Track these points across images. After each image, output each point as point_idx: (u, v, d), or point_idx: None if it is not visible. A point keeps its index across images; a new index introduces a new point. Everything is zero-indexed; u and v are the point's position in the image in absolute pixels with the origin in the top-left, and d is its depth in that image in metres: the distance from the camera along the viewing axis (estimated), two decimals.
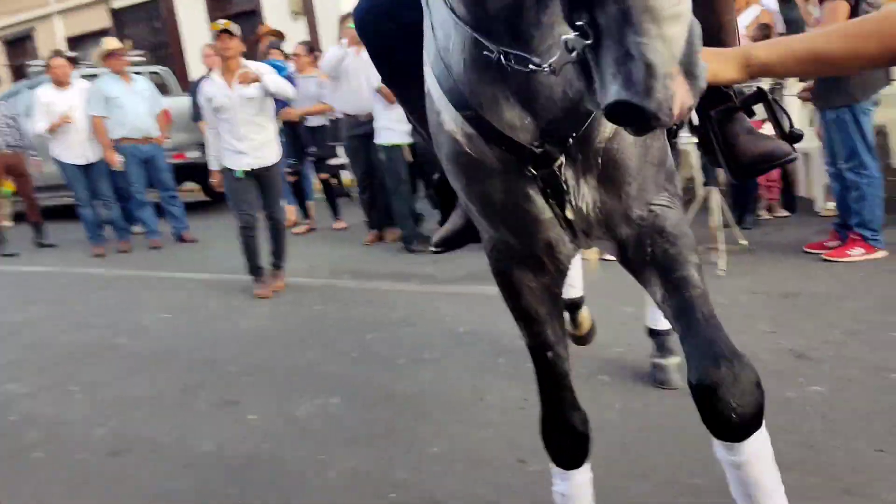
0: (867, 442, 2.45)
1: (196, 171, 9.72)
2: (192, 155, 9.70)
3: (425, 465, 2.65)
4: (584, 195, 1.45)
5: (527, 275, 1.62)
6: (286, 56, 8.27)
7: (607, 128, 1.40)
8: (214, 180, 5.28)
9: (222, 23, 4.82)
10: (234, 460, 2.87)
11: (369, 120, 6.09)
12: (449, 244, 2.07)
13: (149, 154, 7.76)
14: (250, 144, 4.94)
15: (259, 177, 5.04)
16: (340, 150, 8.28)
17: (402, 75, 1.75)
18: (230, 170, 5.02)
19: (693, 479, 2.33)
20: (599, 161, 1.42)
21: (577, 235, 1.53)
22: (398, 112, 5.81)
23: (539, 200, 1.46)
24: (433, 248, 2.11)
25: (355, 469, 2.68)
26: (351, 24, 6.21)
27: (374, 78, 5.76)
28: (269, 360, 3.95)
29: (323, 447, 2.88)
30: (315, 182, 8.31)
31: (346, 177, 9.12)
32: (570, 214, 1.47)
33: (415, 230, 6.00)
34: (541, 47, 1.28)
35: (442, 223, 2.13)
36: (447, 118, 1.46)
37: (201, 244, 7.81)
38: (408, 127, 5.87)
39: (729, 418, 1.33)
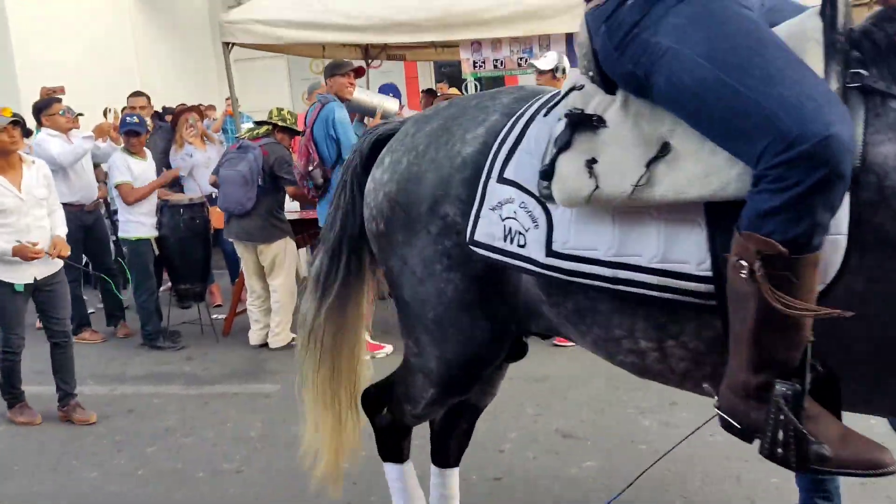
0: None
1: None
2: None
3: None
4: None
5: None
6: None
7: None
8: None
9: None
10: None
11: (93, 209, 5.85)
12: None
13: None
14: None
15: (41, 289, 4.29)
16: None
17: None
18: (5, 283, 4.19)
19: None
20: None
21: None
22: (145, 206, 5.60)
23: None
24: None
25: None
26: (62, 112, 5.75)
27: (115, 174, 5.53)
28: (39, 489, 3.56)
29: None
30: None
31: None
32: None
33: (159, 325, 5.74)
34: None
35: None
36: None
37: None
38: (154, 220, 5.67)
39: None
